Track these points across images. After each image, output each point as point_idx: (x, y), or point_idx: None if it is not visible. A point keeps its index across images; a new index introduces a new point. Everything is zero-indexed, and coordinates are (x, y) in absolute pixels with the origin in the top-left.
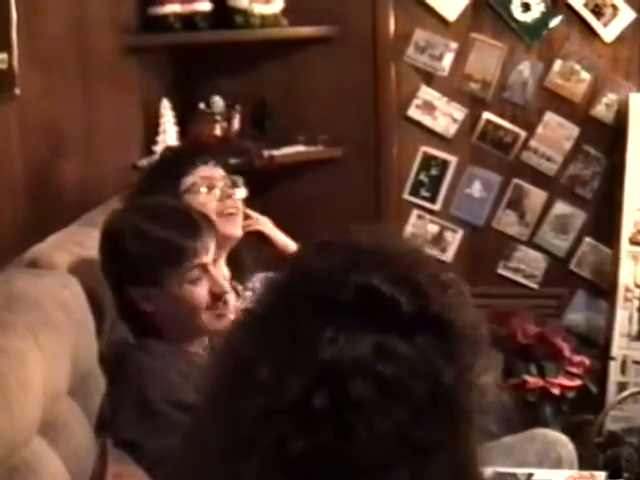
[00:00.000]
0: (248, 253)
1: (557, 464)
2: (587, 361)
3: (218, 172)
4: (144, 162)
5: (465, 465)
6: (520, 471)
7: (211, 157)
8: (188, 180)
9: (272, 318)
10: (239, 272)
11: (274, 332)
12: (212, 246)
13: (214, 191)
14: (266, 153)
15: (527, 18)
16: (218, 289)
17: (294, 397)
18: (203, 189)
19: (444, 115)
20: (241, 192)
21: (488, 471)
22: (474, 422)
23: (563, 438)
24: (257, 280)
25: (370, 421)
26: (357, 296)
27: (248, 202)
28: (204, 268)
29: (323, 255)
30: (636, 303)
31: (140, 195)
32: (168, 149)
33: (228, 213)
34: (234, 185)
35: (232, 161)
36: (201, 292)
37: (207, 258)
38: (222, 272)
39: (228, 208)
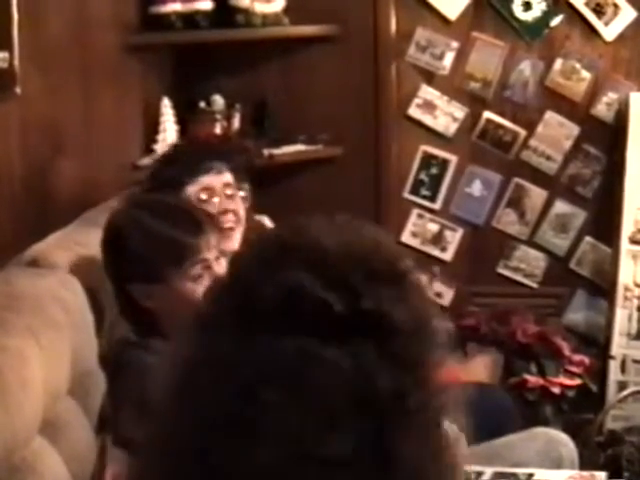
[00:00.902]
0: None
1: (558, 463)
2: (587, 360)
3: (220, 180)
4: (145, 161)
5: (413, 469)
6: (521, 471)
7: (213, 163)
8: (189, 190)
9: (204, 326)
10: None
11: (205, 341)
12: (214, 243)
13: (213, 202)
14: (266, 152)
15: (528, 17)
16: None
17: (218, 407)
18: (202, 199)
19: (444, 114)
20: (244, 194)
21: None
22: (422, 422)
23: (564, 437)
24: None
25: (277, 428)
26: (282, 299)
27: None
28: (206, 265)
29: (252, 256)
30: (636, 302)
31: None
32: (171, 151)
33: (227, 228)
34: (240, 188)
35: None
36: (203, 289)
37: (209, 254)
38: (224, 269)
39: (226, 222)
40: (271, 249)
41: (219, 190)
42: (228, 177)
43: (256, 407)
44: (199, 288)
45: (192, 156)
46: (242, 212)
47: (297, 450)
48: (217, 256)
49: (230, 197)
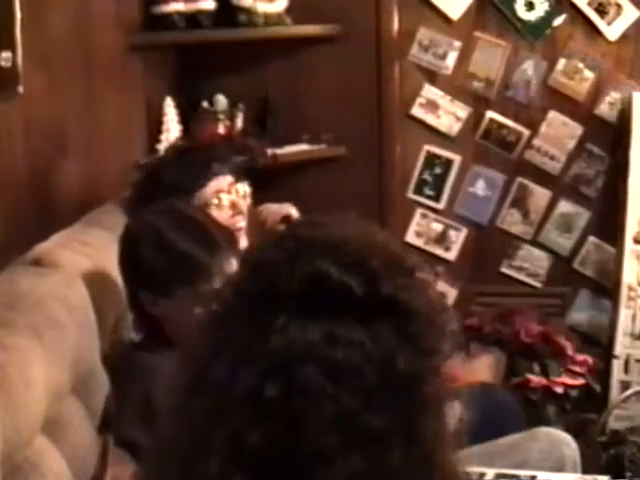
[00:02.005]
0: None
1: (560, 463)
2: (590, 360)
3: (227, 181)
4: (148, 160)
5: (426, 451)
6: (523, 473)
7: (220, 166)
8: (199, 196)
9: (225, 317)
10: None
11: (227, 330)
12: (230, 265)
13: (224, 205)
14: (269, 152)
15: (531, 17)
16: None
17: (245, 390)
18: (214, 203)
19: (448, 114)
20: (246, 189)
21: (458, 458)
22: (436, 407)
23: (566, 437)
24: None
25: (320, 407)
26: (306, 284)
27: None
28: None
29: (271, 249)
30: (639, 302)
31: (147, 202)
32: (173, 155)
33: (238, 228)
34: (241, 189)
35: (236, 160)
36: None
37: (221, 278)
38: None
39: (238, 222)
40: (289, 242)
41: (227, 192)
42: (230, 178)
43: (288, 389)
44: (204, 309)
45: (197, 161)
46: (246, 209)
47: (341, 430)
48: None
49: (237, 197)
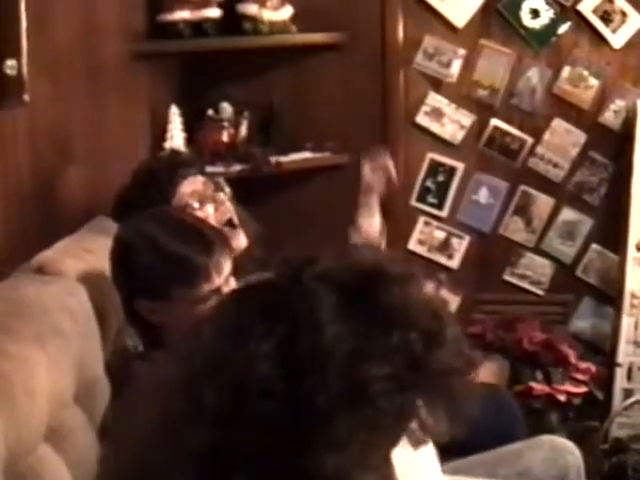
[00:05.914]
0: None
1: (564, 471)
2: (593, 368)
3: (199, 180)
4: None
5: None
6: None
7: (186, 169)
8: (177, 200)
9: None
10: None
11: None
12: (227, 265)
13: (207, 204)
14: (273, 159)
15: (536, 24)
16: None
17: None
18: (195, 205)
19: (452, 122)
20: (227, 191)
21: None
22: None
23: (570, 445)
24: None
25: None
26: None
27: (254, 206)
28: (215, 289)
29: None
30: None
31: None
32: (142, 173)
33: (227, 219)
34: (218, 187)
35: (239, 167)
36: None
37: (220, 279)
38: (232, 287)
39: (225, 215)
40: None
41: (204, 190)
42: (201, 177)
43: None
44: (205, 309)
45: (166, 170)
46: (230, 207)
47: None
48: (227, 278)
49: (215, 193)
